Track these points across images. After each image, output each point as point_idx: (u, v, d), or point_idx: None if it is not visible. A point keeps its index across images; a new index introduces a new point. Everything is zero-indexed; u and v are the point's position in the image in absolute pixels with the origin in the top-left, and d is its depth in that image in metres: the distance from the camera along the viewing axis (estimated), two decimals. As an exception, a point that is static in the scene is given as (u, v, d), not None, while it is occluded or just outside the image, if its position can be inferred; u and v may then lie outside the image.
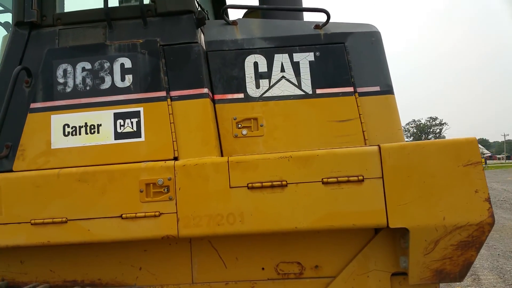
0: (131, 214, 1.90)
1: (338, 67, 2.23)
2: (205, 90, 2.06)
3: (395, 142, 2.04)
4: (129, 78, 2.07)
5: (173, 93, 2.05)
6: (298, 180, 1.87)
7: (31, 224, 1.93)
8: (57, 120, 2.06)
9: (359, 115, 2.18)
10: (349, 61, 2.24)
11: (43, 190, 1.95)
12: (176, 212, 1.88)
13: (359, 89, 2.22)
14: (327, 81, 2.22)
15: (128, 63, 2.08)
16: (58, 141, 2.04)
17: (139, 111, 2.03)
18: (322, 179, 1.85)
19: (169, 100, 2.04)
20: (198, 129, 2.02)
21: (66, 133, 2.05)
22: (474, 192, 1.79)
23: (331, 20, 2.33)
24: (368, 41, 2.30)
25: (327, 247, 2.08)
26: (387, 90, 2.24)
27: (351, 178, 1.84)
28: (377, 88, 2.23)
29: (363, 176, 1.84)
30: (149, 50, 2.09)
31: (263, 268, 2.10)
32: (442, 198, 1.80)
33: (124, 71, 2.08)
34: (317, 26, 2.33)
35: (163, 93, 2.04)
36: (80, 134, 2.04)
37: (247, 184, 1.87)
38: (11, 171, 2.03)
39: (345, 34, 2.29)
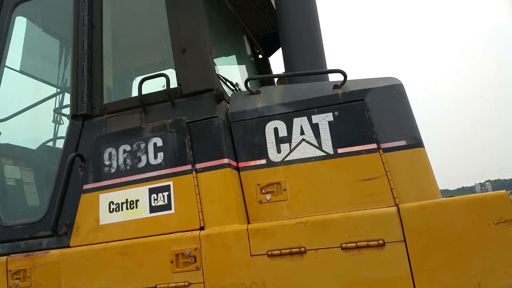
0: (164, 285, 2.03)
1: (359, 125, 2.22)
2: (226, 161, 2.19)
3: (428, 199, 1.93)
4: (160, 155, 2.29)
5: (198, 166, 2.22)
6: (317, 246, 1.85)
7: None
8: (104, 198, 2.33)
9: (386, 172, 2.12)
10: (370, 117, 2.22)
11: (93, 263, 2.20)
12: (203, 282, 1.97)
13: (383, 145, 2.17)
14: (348, 139, 2.21)
15: (159, 142, 2.32)
16: (105, 217, 2.30)
17: (169, 185, 2.22)
18: (341, 244, 1.81)
19: (194, 172, 2.20)
20: (220, 199, 2.14)
21: (111, 210, 2.30)
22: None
23: (352, 78, 2.36)
24: (389, 95, 2.27)
25: None
26: (415, 143, 2.15)
27: (370, 243, 1.77)
28: (402, 143, 2.16)
29: (383, 240, 1.76)
30: (176, 128, 2.31)
31: None
32: (473, 262, 1.64)
33: (156, 149, 2.31)
34: (336, 86, 2.37)
35: (188, 167, 2.22)
36: (122, 210, 2.28)
37: (267, 251, 1.91)
38: (69, 247, 2.32)
39: (364, 90, 2.29)
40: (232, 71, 4.01)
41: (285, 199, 2.19)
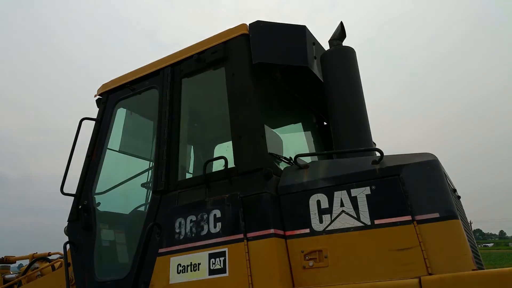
0: None
1: (394, 198, 2.41)
2: (271, 231, 2.51)
3: (459, 269, 2.02)
4: (219, 225, 2.70)
5: (249, 235, 2.57)
6: None
7: None
8: (174, 261, 2.77)
9: (419, 242, 2.25)
10: (405, 191, 2.40)
11: None
12: None
13: (418, 217, 2.32)
14: (385, 211, 2.40)
15: (218, 214, 2.73)
16: (174, 277, 2.72)
17: (225, 251, 2.59)
18: None
19: (245, 241, 2.55)
20: (266, 265, 2.43)
21: (179, 271, 2.72)
22: None
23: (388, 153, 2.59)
24: (423, 170, 2.44)
25: None
26: (448, 215, 2.27)
27: None
28: (436, 215, 2.29)
29: None
30: (232, 202, 2.71)
31: None
32: None
33: (216, 220, 2.73)
34: (374, 161, 2.61)
35: (241, 235, 2.57)
36: (187, 271, 2.69)
37: None
38: None
39: (400, 166, 2.50)
40: (299, 139, 4.40)
41: (326, 266, 2.41)
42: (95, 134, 3.79)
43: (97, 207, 3.61)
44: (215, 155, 4.46)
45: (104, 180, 3.93)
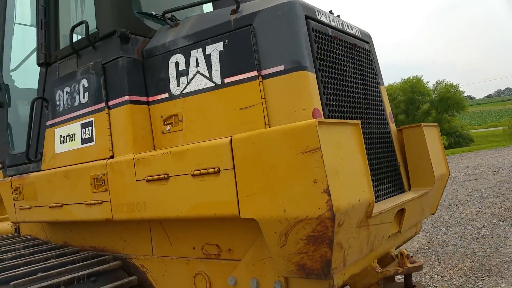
0: (88, 202, 2.49)
1: (244, 52, 2.19)
2: (126, 98, 2.41)
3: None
4: (86, 95, 2.63)
5: (110, 103, 2.50)
6: (176, 173, 2.04)
7: (49, 207, 2.78)
8: (57, 132, 2.82)
9: (261, 99, 2.11)
10: (254, 43, 2.16)
11: (51, 183, 2.76)
12: (110, 201, 2.37)
13: (263, 72, 2.13)
14: (234, 69, 2.21)
15: (86, 83, 2.64)
16: (58, 147, 2.81)
17: (92, 121, 2.58)
18: (191, 171, 1.97)
19: (107, 109, 2.50)
20: (123, 132, 2.42)
21: (61, 142, 2.79)
22: (313, 182, 1.57)
23: None
24: (275, 16, 2.14)
25: (238, 233, 2.16)
26: (294, 67, 2.05)
27: (209, 170, 1.89)
28: (281, 68, 2.08)
29: (218, 168, 1.87)
30: (96, 70, 2.58)
31: (194, 248, 2.36)
32: (282, 189, 1.66)
33: (84, 90, 2.65)
34: (233, 11, 2.30)
35: (103, 104, 2.52)
36: (66, 142, 2.75)
37: (145, 177, 2.18)
38: (40, 170, 2.93)
39: (253, 14, 2.20)
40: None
41: (181, 129, 2.37)
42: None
43: (11, 84, 3.61)
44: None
45: (19, 56, 3.84)
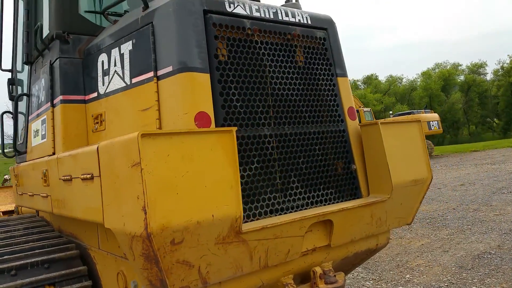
0: (44, 194, 2.71)
1: (145, 52, 2.11)
2: (60, 98, 2.52)
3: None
4: (43, 93, 2.81)
5: (54, 102, 2.64)
6: (74, 175, 2.10)
7: (29, 195, 3.10)
8: (33, 126, 3.10)
9: (155, 102, 2.03)
10: (153, 42, 2.07)
11: (27, 174, 3.07)
12: (50, 196, 2.54)
13: (158, 73, 2.04)
14: (138, 69, 2.16)
15: (43, 82, 2.81)
16: (33, 141, 3.09)
17: (45, 119, 2.76)
18: (80, 175, 2.01)
19: (51, 108, 2.65)
20: (58, 131, 2.54)
21: (34, 136, 3.06)
22: (136, 198, 1.49)
23: None
24: (167, 13, 2.01)
25: None
26: (180, 68, 1.92)
27: (87, 176, 1.91)
28: (169, 69, 1.97)
29: (92, 174, 1.87)
30: (48, 70, 2.71)
31: (118, 246, 2.43)
32: (122, 203, 1.60)
33: (42, 88, 2.83)
34: (143, 8, 2.21)
35: (49, 104, 2.67)
36: (35, 136, 3.00)
37: (62, 176, 2.28)
38: (25, 161, 3.26)
39: (153, 11, 2.09)
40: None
41: (103, 129, 2.41)
42: (14, 9, 3.95)
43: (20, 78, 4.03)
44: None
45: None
